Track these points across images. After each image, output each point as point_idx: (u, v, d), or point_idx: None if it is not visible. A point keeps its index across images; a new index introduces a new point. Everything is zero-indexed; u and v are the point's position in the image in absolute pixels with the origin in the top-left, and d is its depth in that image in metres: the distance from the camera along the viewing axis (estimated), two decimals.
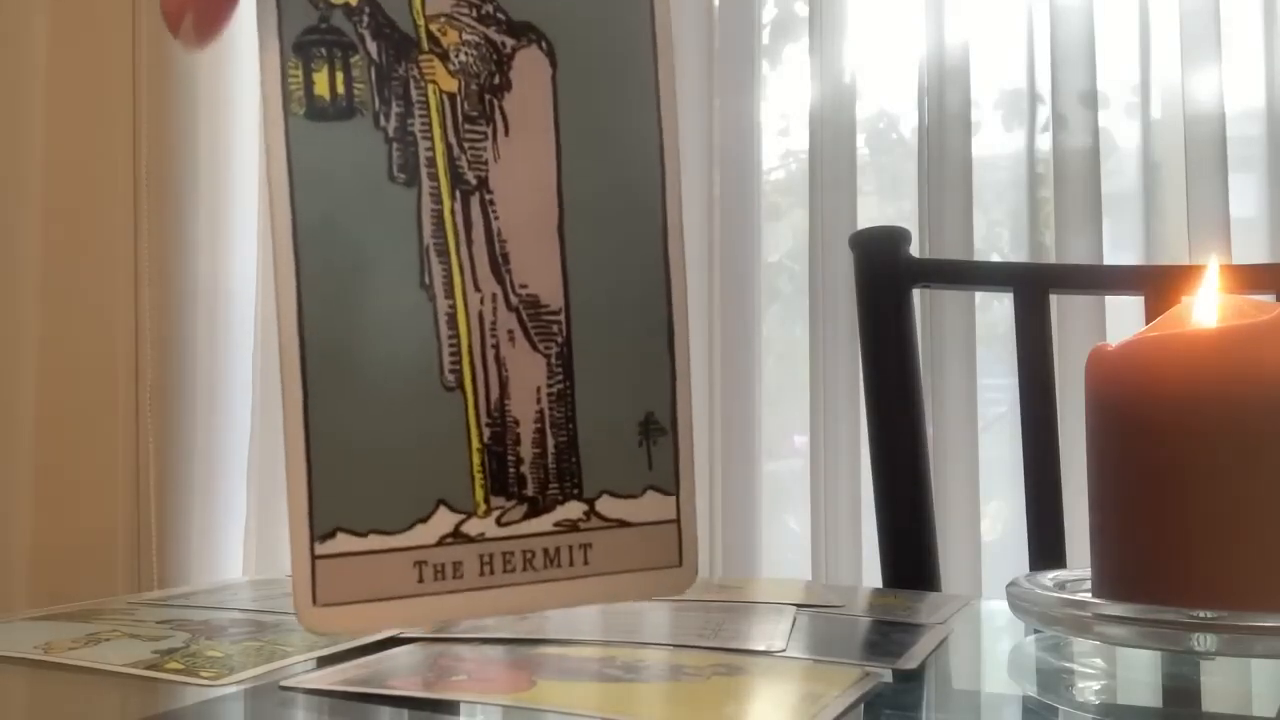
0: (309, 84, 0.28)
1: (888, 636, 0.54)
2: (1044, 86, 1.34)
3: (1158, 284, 0.84)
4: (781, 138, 1.45)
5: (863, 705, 0.40)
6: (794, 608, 0.58)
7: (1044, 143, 1.34)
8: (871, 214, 1.38)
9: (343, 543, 0.27)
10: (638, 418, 0.30)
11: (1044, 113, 1.34)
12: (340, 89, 0.28)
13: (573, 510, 0.29)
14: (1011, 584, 0.48)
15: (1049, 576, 0.50)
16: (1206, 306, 0.46)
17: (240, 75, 1.42)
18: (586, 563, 0.29)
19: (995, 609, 0.65)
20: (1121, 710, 0.45)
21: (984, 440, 1.31)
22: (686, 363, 0.30)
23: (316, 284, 0.27)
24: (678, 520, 0.30)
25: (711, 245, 1.37)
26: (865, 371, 0.87)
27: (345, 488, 0.27)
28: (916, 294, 0.87)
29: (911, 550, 0.83)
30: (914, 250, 0.90)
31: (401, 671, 0.44)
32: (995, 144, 1.37)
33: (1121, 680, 0.48)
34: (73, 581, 1.33)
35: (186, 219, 1.41)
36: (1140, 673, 0.48)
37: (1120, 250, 1.34)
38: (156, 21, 1.36)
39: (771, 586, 0.71)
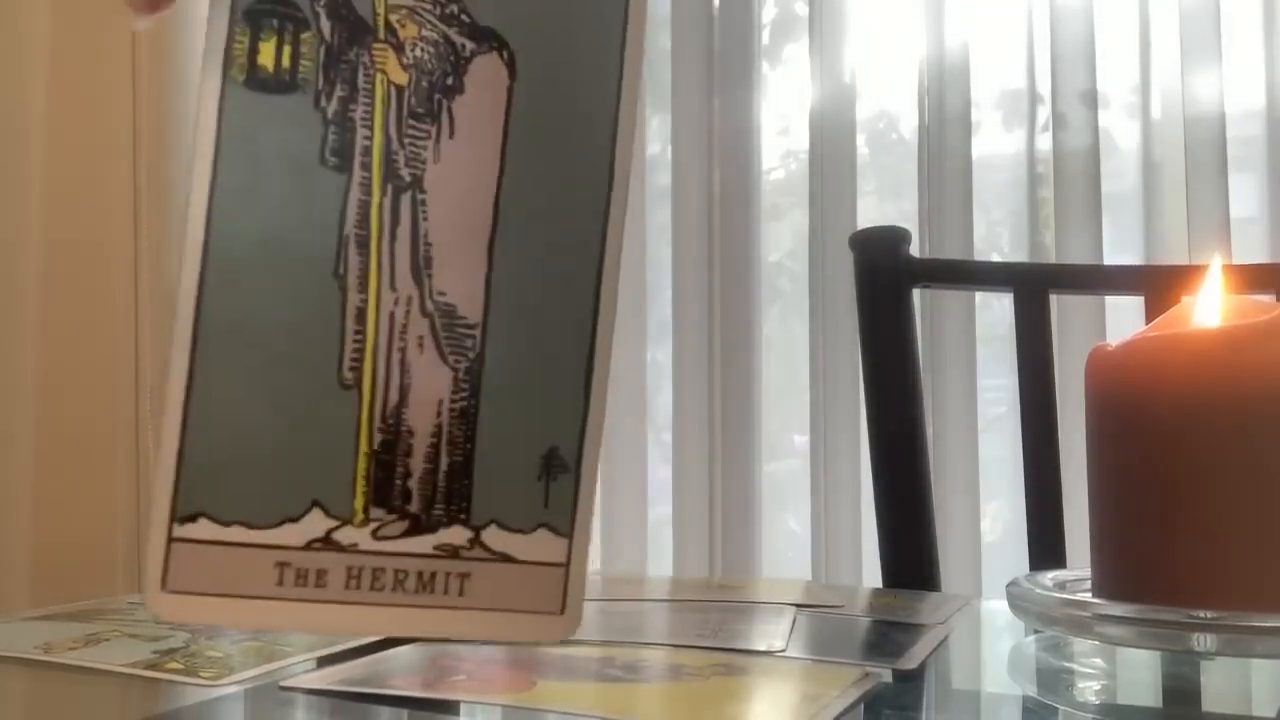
0: (253, 52, 0.27)
1: (887, 636, 0.54)
2: (1044, 86, 1.34)
3: (1158, 284, 0.84)
4: (781, 138, 1.45)
5: (863, 705, 0.40)
6: (794, 608, 0.58)
7: (1044, 143, 1.34)
8: (871, 214, 1.38)
9: (204, 528, 0.26)
10: (541, 450, 0.28)
11: (1044, 113, 1.34)
12: (285, 62, 0.27)
13: (456, 535, 0.27)
14: (1011, 584, 0.48)
15: (1049, 576, 0.50)
16: (1207, 306, 0.46)
17: None
18: (462, 593, 0.27)
19: (995, 609, 0.65)
20: (1121, 710, 0.45)
21: (984, 440, 1.31)
22: (602, 403, 0.28)
23: (223, 255, 0.26)
24: (567, 564, 0.28)
25: (711, 245, 1.37)
26: (865, 371, 0.87)
27: (216, 471, 0.26)
28: (916, 294, 0.87)
29: (911, 550, 0.83)
30: (914, 250, 0.90)
31: (401, 671, 0.44)
32: (995, 144, 1.37)
33: (1121, 680, 0.48)
34: (73, 581, 1.33)
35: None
36: (1140, 673, 0.48)
37: (1120, 250, 1.34)
38: (157, 22, 1.36)
39: (771, 586, 0.71)
